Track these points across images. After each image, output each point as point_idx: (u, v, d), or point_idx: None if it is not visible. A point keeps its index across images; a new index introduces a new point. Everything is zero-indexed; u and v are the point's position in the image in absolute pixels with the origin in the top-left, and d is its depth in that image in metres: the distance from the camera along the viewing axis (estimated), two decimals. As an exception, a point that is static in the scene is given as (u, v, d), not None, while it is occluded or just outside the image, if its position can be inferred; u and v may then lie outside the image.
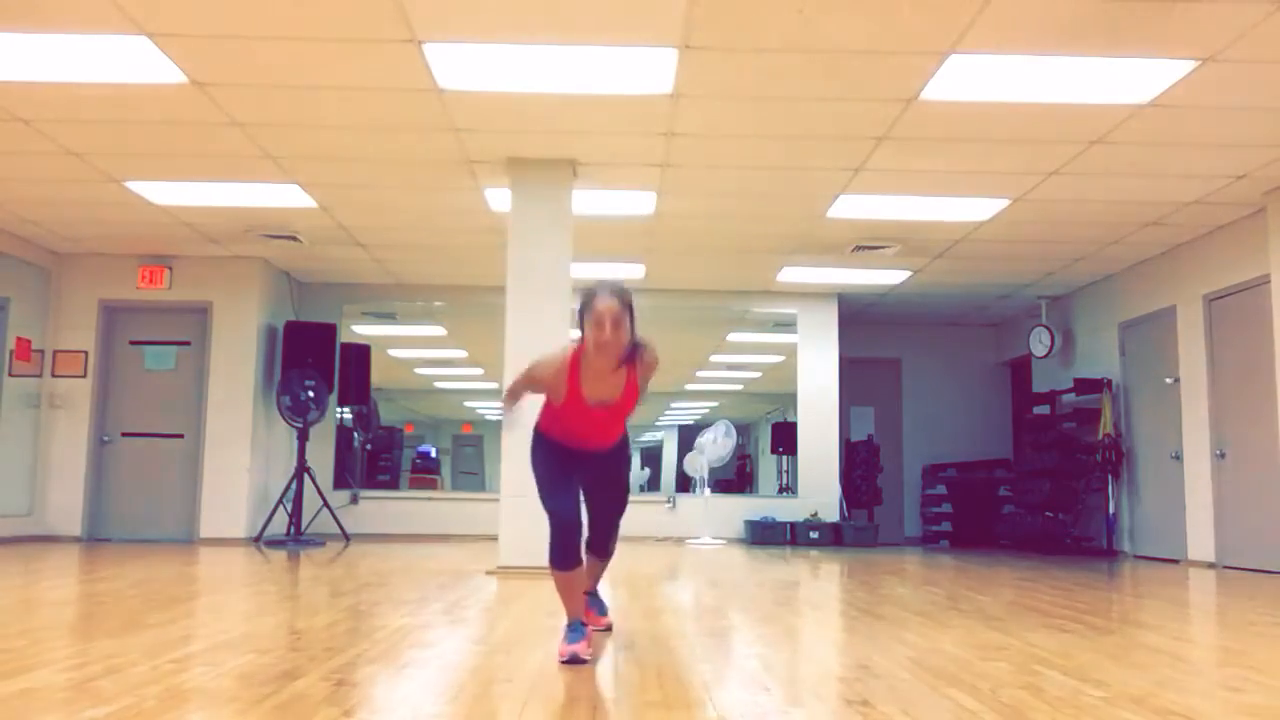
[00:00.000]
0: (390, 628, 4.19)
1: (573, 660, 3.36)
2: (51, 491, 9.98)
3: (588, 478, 3.77)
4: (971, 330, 13.30)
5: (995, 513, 12.31)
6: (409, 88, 5.89)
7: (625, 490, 3.98)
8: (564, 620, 3.61)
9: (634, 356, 3.52)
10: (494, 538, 7.17)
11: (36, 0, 4.88)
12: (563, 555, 3.55)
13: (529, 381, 3.61)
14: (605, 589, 4.55)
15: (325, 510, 10.22)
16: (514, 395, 3.69)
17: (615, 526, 4.00)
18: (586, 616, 3.74)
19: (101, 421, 10.16)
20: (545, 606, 4.96)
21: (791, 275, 10.76)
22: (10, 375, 9.51)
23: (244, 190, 7.95)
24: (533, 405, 3.72)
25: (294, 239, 9.41)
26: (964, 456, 12.85)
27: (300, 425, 10.15)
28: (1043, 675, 3.27)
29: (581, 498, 3.72)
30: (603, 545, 4.01)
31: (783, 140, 6.68)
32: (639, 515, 9.72)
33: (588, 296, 3.44)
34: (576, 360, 3.48)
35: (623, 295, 3.43)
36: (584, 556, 3.72)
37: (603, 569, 4.14)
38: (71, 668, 3.16)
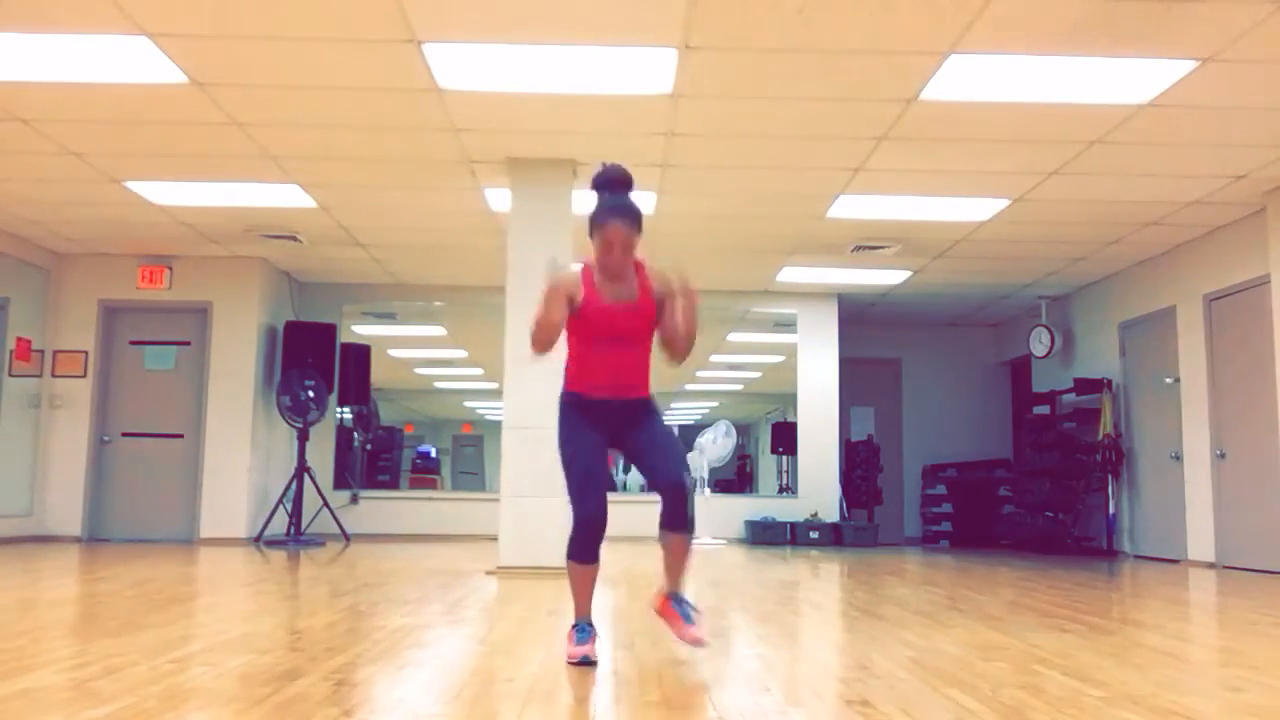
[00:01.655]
0: (390, 628, 4.19)
1: (584, 662, 3.34)
2: (51, 491, 9.98)
3: (631, 445, 3.52)
4: (971, 330, 13.30)
5: (995, 513, 12.31)
6: (409, 88, 5.90)
7: (676, 439, 3.58)
8: (570, 620, 3.57)
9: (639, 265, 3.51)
10: (494, 538, 7.17)
11: (37, 0, 4.89)
12: (584, 550, 3.45)
13: (550, 286, 3.41)
14: (601, 589, 4.51)
15: (325, 510, 10.22)
16: (549, 299, 3.39)
17: (682, 480, 3.42)
18: (677, 629, 3.52)
19: (101, 421, 10.16)
20: (545, 606, 4.96)
21: (791, 275, 10.76)
22: (10, 375, 9.51)
23: (244, 190, 7.96)
24: (552, 382, 3.62)
25: (294, 239, 9.41)
26: (964, 456, 12.85)
27: (300, 425, 10.15)
28: (1043, 675, 3.27)
29: (609, 490, 3.53)
30: (676, 510, 3.42)
31: (783, 140, 6.68)
32: (639, 515, 9.72)
33: (600, 213, 3.44)
34: (588, 270, 3.51)
35: (633, 217, 3.43)
36: (664, 539, 3.52)
37: (685, 554, 3.55)
38: (71, 668, 3.16)
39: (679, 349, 3.53)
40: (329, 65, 5.61)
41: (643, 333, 3.50)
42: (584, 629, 3.49)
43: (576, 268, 3.60)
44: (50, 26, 5.14)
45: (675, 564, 3.55)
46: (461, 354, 13.66)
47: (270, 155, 7.09)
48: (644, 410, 3.54)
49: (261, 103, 6.16)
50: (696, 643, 3.48)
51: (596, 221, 3.44)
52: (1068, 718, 2.66)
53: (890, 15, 4.93)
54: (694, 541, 3.56)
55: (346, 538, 10.36)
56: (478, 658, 3.55)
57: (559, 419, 3.53)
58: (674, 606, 3.53)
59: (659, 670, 3.31)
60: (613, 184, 3.49)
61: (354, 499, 11.22)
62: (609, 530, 3.51)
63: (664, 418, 3.63)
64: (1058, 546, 10.53)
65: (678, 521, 3.45)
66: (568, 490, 3.48)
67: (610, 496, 3.53)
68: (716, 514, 11.40)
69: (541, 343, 3.41)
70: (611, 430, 3.52)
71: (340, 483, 11.27)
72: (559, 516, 3.76)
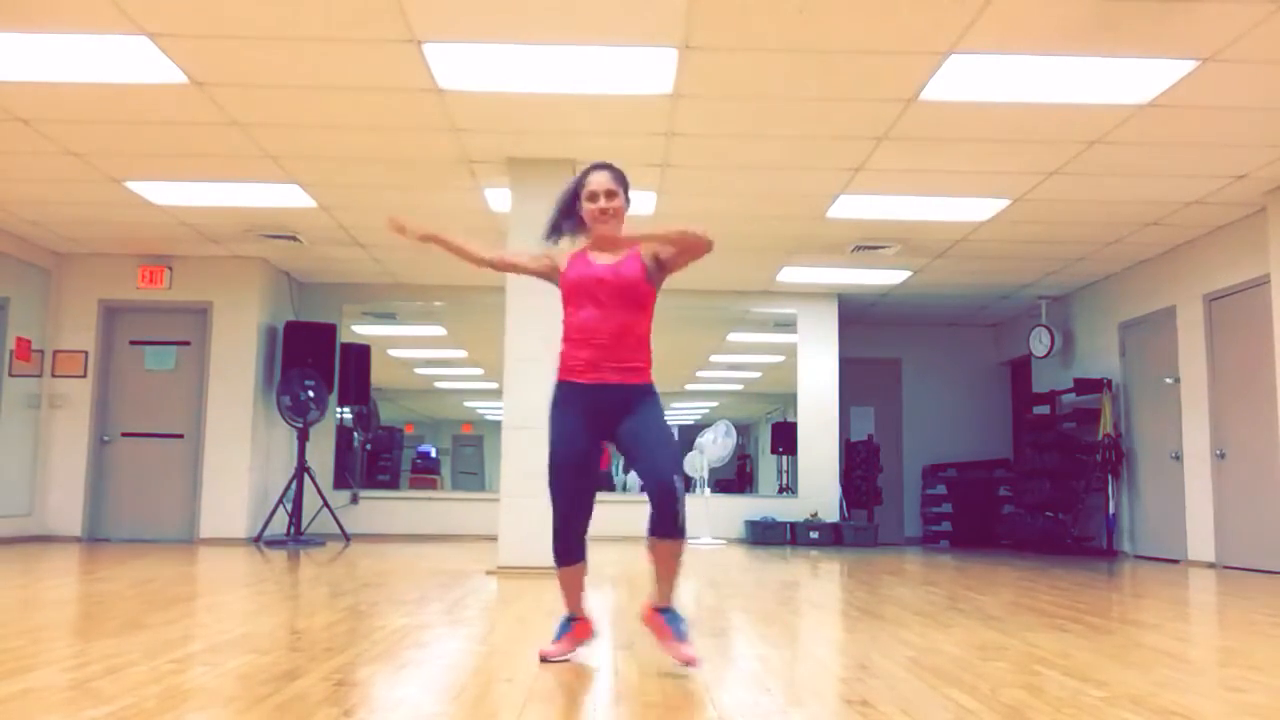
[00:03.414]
0: (390, 628, 4.19)
1: (545, 660, 3.40)
2: (51, 491, 9.98)
3: (622, 437, 3.32)
4: (971, 330, 13.29)
5: (995, 513, 12.31)
6: (409, 88, 5.89)
7: (669, 433, 3.37)
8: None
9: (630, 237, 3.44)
10: (494, 538, 7.17)
11: (37, 0, 4.88)
12: (563, 552, 3.44)
13: (535, 256, 3.49)
14: (602, 590, 4.51)
15: (325, 510, 10.22)
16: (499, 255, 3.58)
17: (673, 483, 3.20)
18: (665, 644, 3.29)
19: (101, 421, 10.15)
20: (545, 606, 4.96)
21: (791, 275, 10.76)
22: (10, 375, 9.51)
23: (244, 190, 7.96)
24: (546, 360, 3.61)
25: (294, 239, 9.41)
26: (964, 456, 12.84)
27: (300, 425, 10.14)
28: (1043, 675, 3.27)
29: (590, 495, 3.43)
30: (664, 515, 3.19)
31: (783, 140, 6.68)
32: (640, 515, 9.74)
33: (580, 174, 3.49)
34: (579, 250, 3.51)
35: (614, 168, 3.47)
36: (652, 546, 3.30)
37: (677, 560, 3.29)
38: (71, 668, 3.16)
39: (691, 249, 3.37)
40: (329, 65, 5.60)
41: (625, 294, 3.32)
42: (565, 625, 3.52)
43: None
44: (50, 26, 5.14)
45: (664, 573, 3.30)
46: (461, 354, 13.66)
47: (270, 155, 7.09)
48: (637, 396, 3.32)
49: (261, 103, 6.16)
50: (687, 661, 3.20)
51: (582, 181, 3.46)
52: (1067, 718, 2.66)
53: (890, 15, 4.93)
54: (685, 548, 3.31)
55: (346, 538, 10.36)
56: (478, 658, 3.55)
57: (550, 409, 3.43)
58: (665, 621, 3.30)
59: (659, 670, 3.31)
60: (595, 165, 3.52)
61: (354, 499, 11.22)
62: (607, 530, 3.50)
63: (661, 409, 3.40)
64: (1058, 546, 10.52)
65: (665, 526, 3.21)
66: (548, 482, 3.40)
67: (608, 496, 3.50)
68: (716, 514, 11.39)
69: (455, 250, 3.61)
70: (604, 421, 3.32)
71: (340, 483, 11.27)
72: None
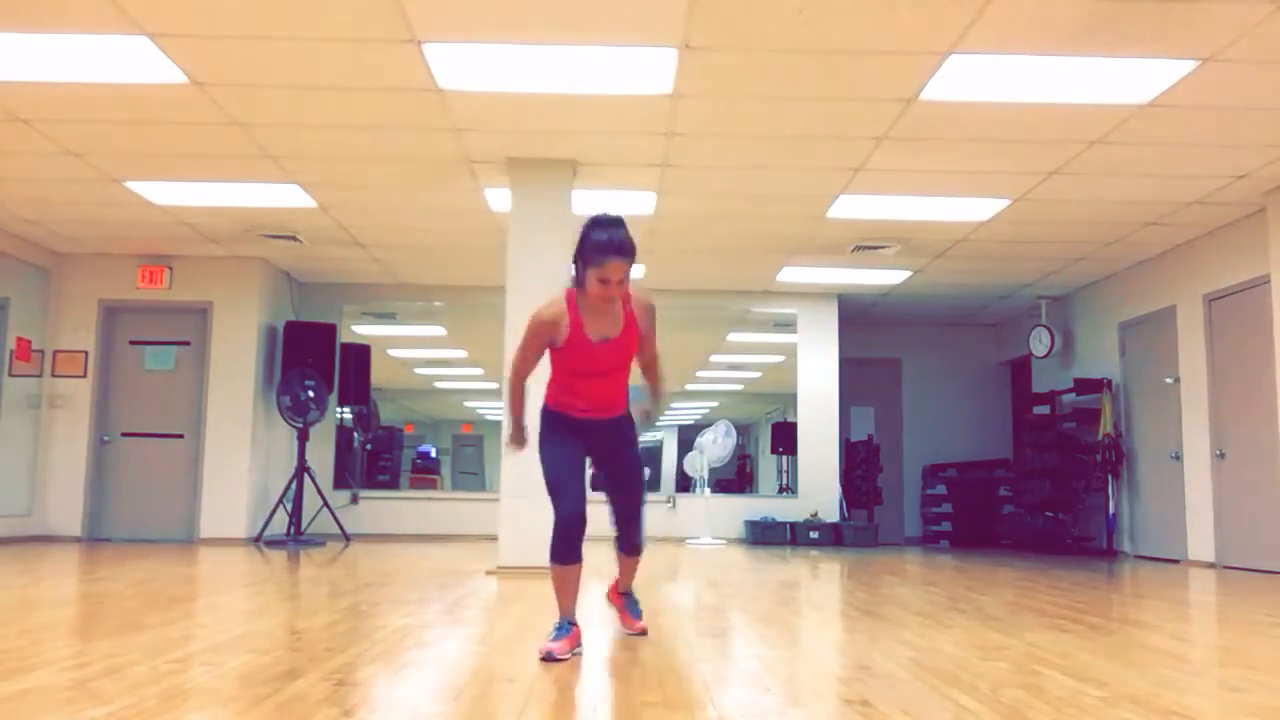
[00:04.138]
0: (390, 628, 4.19)
1: (548, 658, 3.43)
2: (51, 491, 9.98)
3: (605, 470, 3.84)
4: (971, 330, 13.30)
5: (995, 513, 12.31)
6: (409, 88, 5.90)
7: (642, 475, 3.95)
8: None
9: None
10: (494, 538, 7.17)
11: (37, 0, 4.89)
12: (565, 549, 3.59)
13: (532, 334, 3.55)
14: (601, 588, 4.51)
15: (325, 510, 10.22)
16: (518, 375, 3.66)
17: (639, 516, 3.91)
18: (623, 620, 4.09)
19: (101, 421, 10.16)
20: (545, 606, 4.96)
21: (791, 275, 10.76)
22: (10, 375, 9.51)
23: (244, 190, 7.96)
24: (537, 386, 3.73)
25: (294, 239, 9.41)
26: (964, 456, 12.85)
27: (300, 425, 10.14)
28: (1043, 675, 3.27)
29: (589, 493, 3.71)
30: (630, 540, 3.95)
31: (783, 140, 6.68)
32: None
33: (597, 246, 3.44)
34: (572, 299, 3.59)
35: (632, 253, 3.48)
36: (620, 557, 4.03)
37: (635, 567, 4.11)
38: (71, 668, 3.16)
39: (656, 387, 3.97)
40: (329, 65, 5.61)
41: (624, 363, 3.67)
42: (563, 627, 3.60)
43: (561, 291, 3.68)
44: (50, 26, 5.14)
45: (626, 573, 4.09)
46: (461, 354, 13.65)
47: (270, 155, 7.09)
48: (620, 430, 3.79)
49: (261, 103, 6.16)
50: (640, 631, 4.05)
51: (595, 258, 3.43)
52: (1068, 718, 2.66)
53: (890, 15, 4.93)
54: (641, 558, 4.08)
55: (346, 538, 10.36)
56: (478, 658, 3.55)
57: (540, 426, 3.71)
58: (625, 602, 4.11)
59: (659, 670, 3.31)
60: (608, 223, 3.50)
61: (354, 499, 11.22)
62: (602, 531, 3.57)
63: (636, 437, 3.89)
64: (1058, 546, 10.53)
65: (633, 549, 3.99)
66: (546, 488, 3.63)
67: (599, 496, 3.61)
68: (716, 514, 11.39)
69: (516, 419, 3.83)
70: (590, 444, 3.73)
71: (340, 483, 11.27)
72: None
